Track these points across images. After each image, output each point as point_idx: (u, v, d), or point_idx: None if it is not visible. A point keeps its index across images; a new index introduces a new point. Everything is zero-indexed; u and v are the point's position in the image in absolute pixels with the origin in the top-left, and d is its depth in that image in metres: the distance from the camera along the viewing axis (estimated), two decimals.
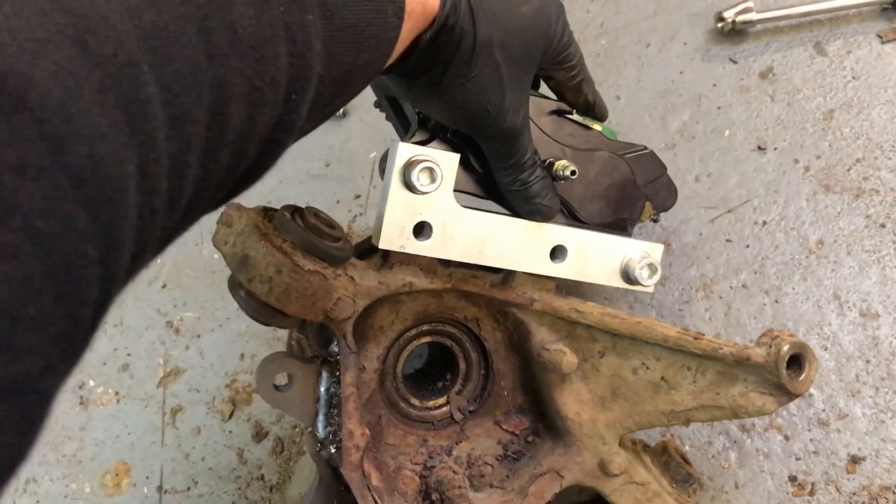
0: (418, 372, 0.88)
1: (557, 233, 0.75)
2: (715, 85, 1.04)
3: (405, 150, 0.66)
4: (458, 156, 0.69)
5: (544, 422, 0.80)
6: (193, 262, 1.12)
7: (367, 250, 0.76)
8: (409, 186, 0.66)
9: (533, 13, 0.64)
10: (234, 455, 1.00)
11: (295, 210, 0.67)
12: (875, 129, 0.96)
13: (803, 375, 0.68)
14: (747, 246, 0.95)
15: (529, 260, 0.74)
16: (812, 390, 0.86)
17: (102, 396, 1.07)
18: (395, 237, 0.68)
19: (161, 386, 1.06)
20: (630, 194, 0.79)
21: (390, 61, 0.56)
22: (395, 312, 0.76)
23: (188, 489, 1.00)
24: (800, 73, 1.02)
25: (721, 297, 0.93)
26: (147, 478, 1.02)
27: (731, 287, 0.93)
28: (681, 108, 1.04)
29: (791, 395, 0.68)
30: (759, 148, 0.99)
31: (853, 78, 1.00)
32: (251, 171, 0.43)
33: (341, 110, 1.15)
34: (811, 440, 0.84)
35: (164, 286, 1.12)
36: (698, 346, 0.70)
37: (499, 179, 0.71)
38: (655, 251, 0.79)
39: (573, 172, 0.72)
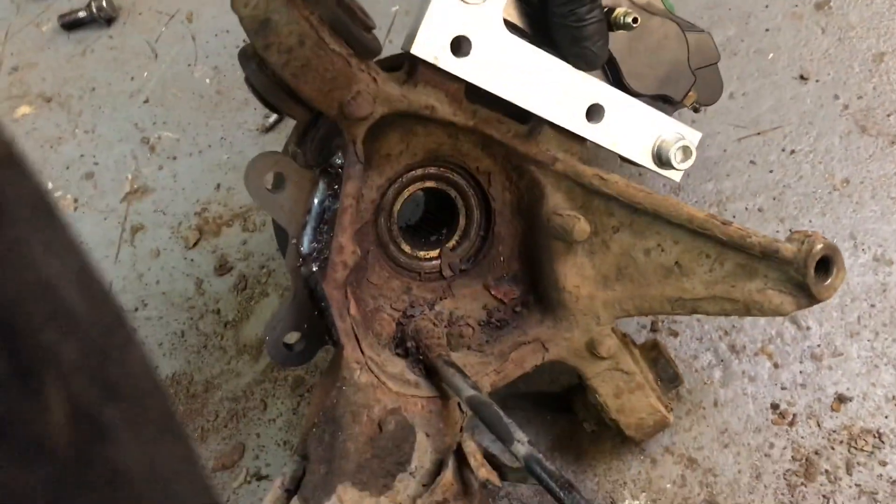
0: (413, 224, 0.82)
1: (599, 90, 0.69)
2: (767, 7, 0.98)
3: None
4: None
5: (536, 294, 0.75)
6: (183, 81, 1.04)
7: (390, 68, 0.69)
8: None
9: None
10: (191, 284, 0.94)
11: None
12: None
13: (829, 280, 0.64)
14: (771, 171, 0.90)
15: (565, 111, 0.68)
16: (811, 323, 0.82)
17: (59, 200, 0.99)
18: (431, 45, 0.61)
19: (125, 201, 0.99)
20: (680, 72, 0.74)
21: None
22: (405, 143, 0.70)
23: (136, 309, 0.93)
24: (857, 10, 0.97)
25: (734, 217, 0.88)
26: None
27: (746, 208, 0.89)
28: (728, 22, 0.98)
29: (812, 299, 0.64)
30: (801, 77, 0.94)
31: None
32: None
33: None
34: (801, 372, 0.81)
35: (146, 101, 1.04)
36: (725, 232, 0.65)
37: (554, 10, 0.64)
38: (692, 136, 0.74)
39: (635, 20, 0.66)
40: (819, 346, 0.81)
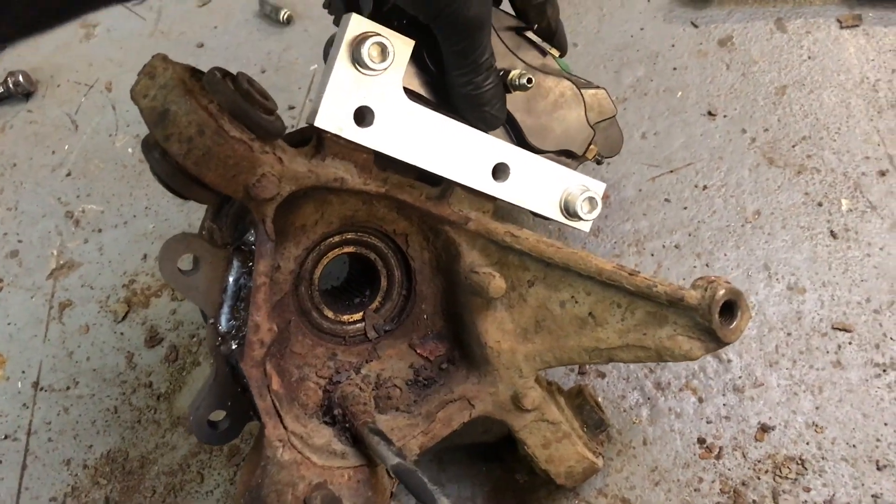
0: (335, 287, 0.83)
1: (503, 149, 0.71)
2: (673, 46, 1.02)
3: (358, 23, 0.61)
4: (412, 42, 0.64)
5: (461, 350, 0.76)
6: (105, 152, 1.04)
7: (300, 142, 0.70)
8: (358, 62, 0.61)
9: None
10: (122, 358, 0.93)
11: (227, 73, 0.61)
12: (824, 110, 0.96)
13: (734, 323, 0.66)
14: (685, 208, 0.93)
15: (471, 172, 0.70)
16: (731, 356, 0.85)
17: None
18: (334, 118, 0.63)
19: (51, 278, 0.98)
20: (578, 127, 0.76)
21: None
22: (320, 212, 0.71)
23: (67, 388, 0.92)
24: (758, 45, 1.01)
25: (652, 255, 0.91)
26: (23, 372, 0.94)
27: (663, 246, 0.91)
28: (636, 63, 1.01)
29: (720, 343, 0.66)
30: (710, 113, 0.97)
31: (809, 58, 0.99)
32: None
33: (284, 16, 1.08)
34: (724, 405, 0.83)
35: (68, 174, 1.03)
36: (632, 283, 0.67)
37: (452, 80, 0.66)
38: (597, 187, 0.76)
39: (529, 80, 0.68)
40: (740, 377, 0.84)
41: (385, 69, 0.62)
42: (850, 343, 0.84)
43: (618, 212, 0.93)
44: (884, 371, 0.82)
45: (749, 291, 0.88)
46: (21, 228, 1.01)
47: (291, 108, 1.04)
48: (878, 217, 0.89)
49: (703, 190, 0.93)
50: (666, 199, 0.94)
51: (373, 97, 0.63)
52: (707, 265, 0.90)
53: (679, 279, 0.89)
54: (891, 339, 0.84)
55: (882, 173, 0.92)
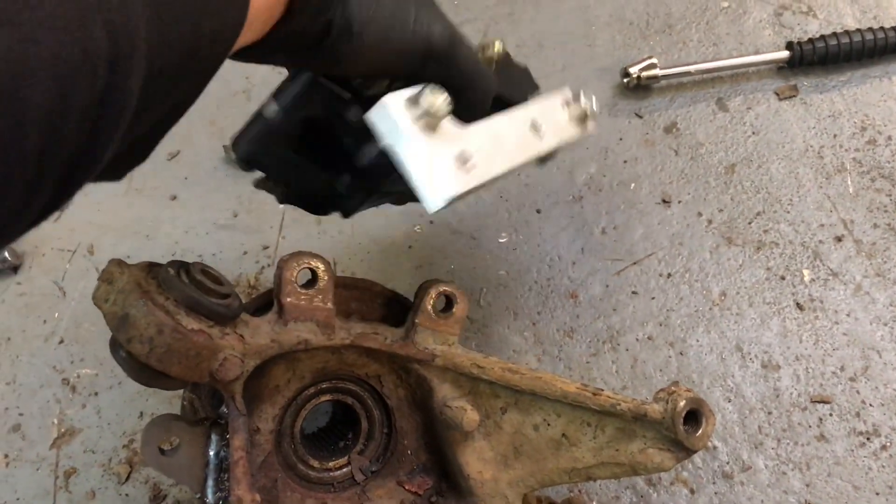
0: (319, 431, 0.85)
1: (527, 110, 0.71)
2: (621, 139, 1.06)
3: (395, 99, 0.56)
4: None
5: (448, 481, 0.78)
6: (93, 315, 1.07)
7: (265, 305, 0.74)
8: (428, 124, 0.57)
9: None
10: None
11: (181, 266, 0.64)
12: (774, 183, 0.99)
13: (700, 431, 0.68)
14: (653, 298, 0.95)
15: (528, 146, 0.69)
16: (717, 443, 0.86)
17: None
18: (440, 188, 0.57)
19: (54, 447, 1.01)
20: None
21: (257, 36, 0.49)
22: (291, 370, 0.74)
23: None
24: (703, 127, 1.04)
25: (627, 350, 0.93)
26: None
27: (637, 339, 0.93)
28: (588, 160, 1.05)
29: (688, 451, 0.68)
30: (664, 201, 1.00)
31: (753, 133, 1.03)
32: (79, 160, 0.38)
33: None
34: (716, 493, 0.84)
35: (61, 342, 1.07)
36: (597, 402, 0.69)
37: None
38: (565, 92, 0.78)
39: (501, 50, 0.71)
40: (728, 463, 0.85)
41: (448, 110, 0.58)
42: (830, 414, 0.85)
43: (588, 310, 0.96)
44: (868, 439, 0.83)
45: (725, 375, 0.89)
46: (21, 401, 1.04)
47: (265, 247, 1.08)
48: (840, 283, 0.91)
49: (668, 278, 0.96)
50: (633, 292, 0.96)
51: (455, 143, 0.59)
52: (681, 353, 0.91)
53: (656, 371, 0.91)
54: (870, 405, 0.85)
55: (838, 239, 0.94)
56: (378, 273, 1.00)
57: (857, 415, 0.84)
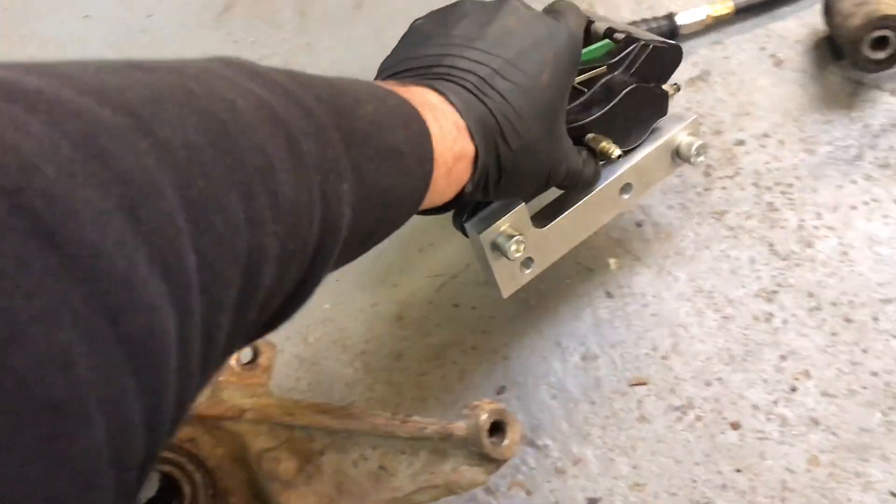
0: (148, 503, 0.83)
1: (618, 175, 0.81)
2: None
3: (485, 237, 0.75)
4: (523, 204, 0.76)
5: None
6: None
7: None
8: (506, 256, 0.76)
9: (551, 75, 0.64)
10: None
11: None
12: None
13: (506, 441, 0.69)
14: (473, 308, 0.97)
15: (608, 210, 0.84)
16: (546, 440, 0.88)
17: None
18: (506, 288, 0.81)
19: None
20: (653, 99, 0.81)
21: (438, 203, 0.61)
22: None
23: None
24: None
25: (455, 363, 0.94)
26: None
27: (463, 351, 0.95)
28: None
29: (498, 462, 0.69)
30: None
31: None
32: (269, 323, 0.44)
33: None
34: (551, 491, 0.86)
35: None
36: (405, 430, 0.70)
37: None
38: (684, 120, 0.85)
39: (619, 156, 0.76)
40: (560, 458, 0.88)
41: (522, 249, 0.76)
42: (648, 395, 0.89)
43: (415, 330, 0.97)
44: (684, 413, 0.87)
45: (548, 373, 0.92)
46: None
47: None
48: (644, 267, 0.96)
49: (486, 284, 0.98)
50: (455, 305, 0.98)
51: (525, 251, 0.77)
52: (505, 357, 0.94)
53: (483, 379, 0.93)
54: (683, 380, 0.89)
55: (638, 224, 0.98)
56: None
57: (673, 391, 0.88)
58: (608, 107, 0.76)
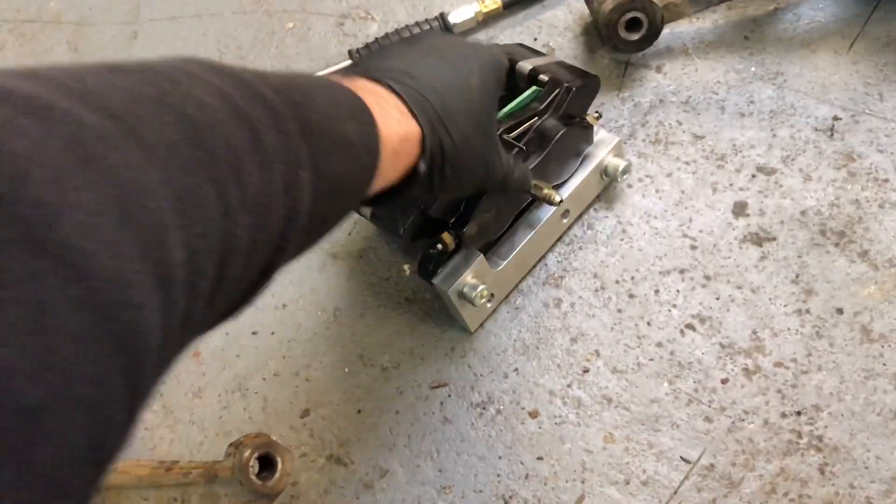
0: None
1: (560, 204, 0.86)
2: None
3: (451, 291, 0.83)
4: (481, 255, 0.84)
5: None
6: None
7: None
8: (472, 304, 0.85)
9: (479, 81, 0.67)
10: None
11: None
12: None
13: (277, 473, 0.68)
14: (272, 333, 0.95)
15: (552, 236, 0.93)
16: (353, 458, 0.88)
17: None
18: (478, 319, 0.91)
19: None
20: (581, 134, 0.89)
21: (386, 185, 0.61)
22: None
23: None
24: None
25: (257, 392, 0.92)
26: None
27: (264, 379, 0.93)
28: None
29: (272, 496, 0.68)
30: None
31: None
32: (229, 311, 0.45)
33: None
34: None
35: None
36: (171, 478, 0.68)
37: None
38: (608, 143, 0.93)
39: (561, 201, 0.84)
40: (367, 473, 0.87)
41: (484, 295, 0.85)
42: (449, 396, 0.89)
43: (213, 364, 0.94)
44: (484, 409, 0.88)
45: (355, 386, 0.91)
46: None
47: None
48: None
49: (284, 308, 0.96)
50: (253, 332, 0.95)
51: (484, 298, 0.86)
52: (307, 379, 0.92)
53: (287, 405, 0.91)
54: (482, 375, 0.90)
55: None
56: None
57: (472, 388, 0.89)
58: (543, 154, 0.83)
